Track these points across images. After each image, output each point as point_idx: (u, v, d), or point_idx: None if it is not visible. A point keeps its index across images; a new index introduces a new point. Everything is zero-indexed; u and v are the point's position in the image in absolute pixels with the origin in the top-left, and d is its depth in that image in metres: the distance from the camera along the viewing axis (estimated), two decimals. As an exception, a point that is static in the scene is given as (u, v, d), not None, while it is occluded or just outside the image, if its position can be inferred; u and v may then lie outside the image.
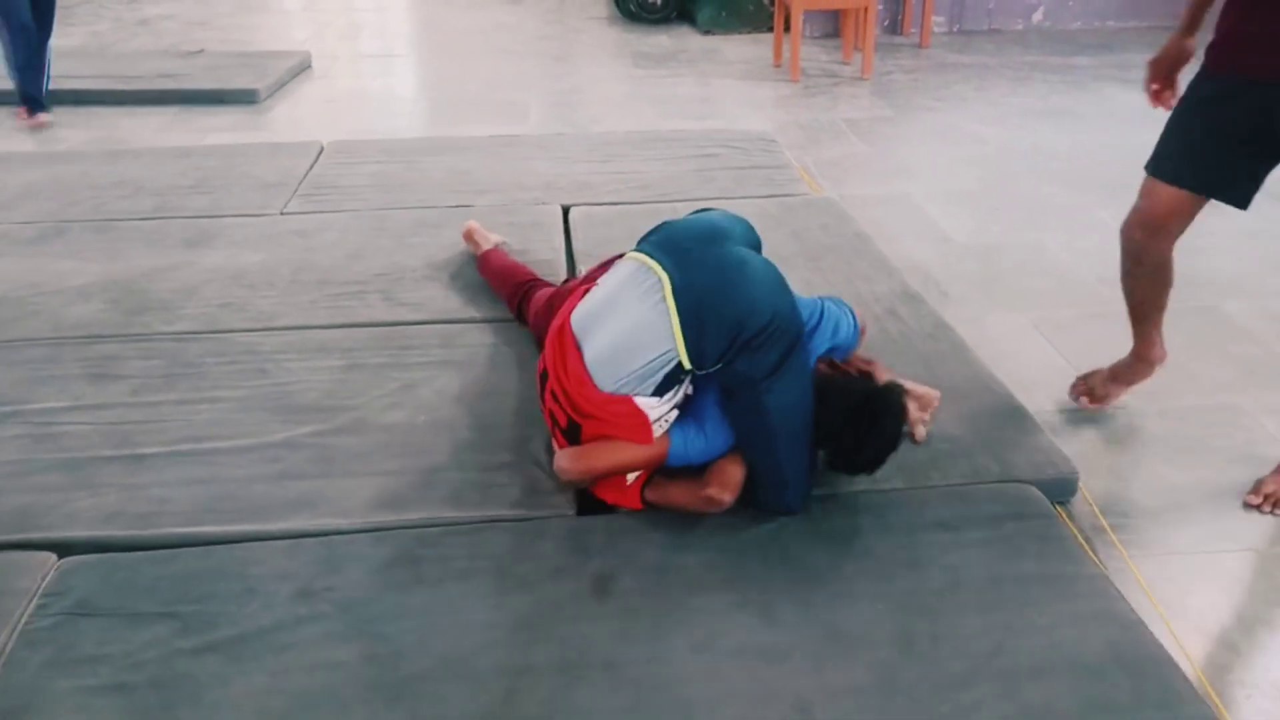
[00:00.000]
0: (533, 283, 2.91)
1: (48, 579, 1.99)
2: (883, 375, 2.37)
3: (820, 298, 2.32)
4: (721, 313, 1.97)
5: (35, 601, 1.93)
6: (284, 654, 1.82)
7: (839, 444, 2.11)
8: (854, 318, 2.33)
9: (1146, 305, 2.64)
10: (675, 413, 2.10)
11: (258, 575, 1.99)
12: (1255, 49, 2.22)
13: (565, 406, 2.12)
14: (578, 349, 2.11)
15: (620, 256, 2.31)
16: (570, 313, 2.18)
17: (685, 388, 2.10)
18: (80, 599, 1.93)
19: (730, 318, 1.97)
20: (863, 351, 2.45)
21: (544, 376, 2.21)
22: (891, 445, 2.11)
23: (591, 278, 2.38)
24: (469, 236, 3.35)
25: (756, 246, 2.25)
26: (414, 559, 2.04)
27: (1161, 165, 2.43)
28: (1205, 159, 2.36)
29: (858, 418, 2.07)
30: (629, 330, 2.03)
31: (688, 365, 2.00)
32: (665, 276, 2.02)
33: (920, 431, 2.39)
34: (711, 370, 2.02)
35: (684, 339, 1.98)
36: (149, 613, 1.90)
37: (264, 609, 1.91)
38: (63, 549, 2.07)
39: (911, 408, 2.34)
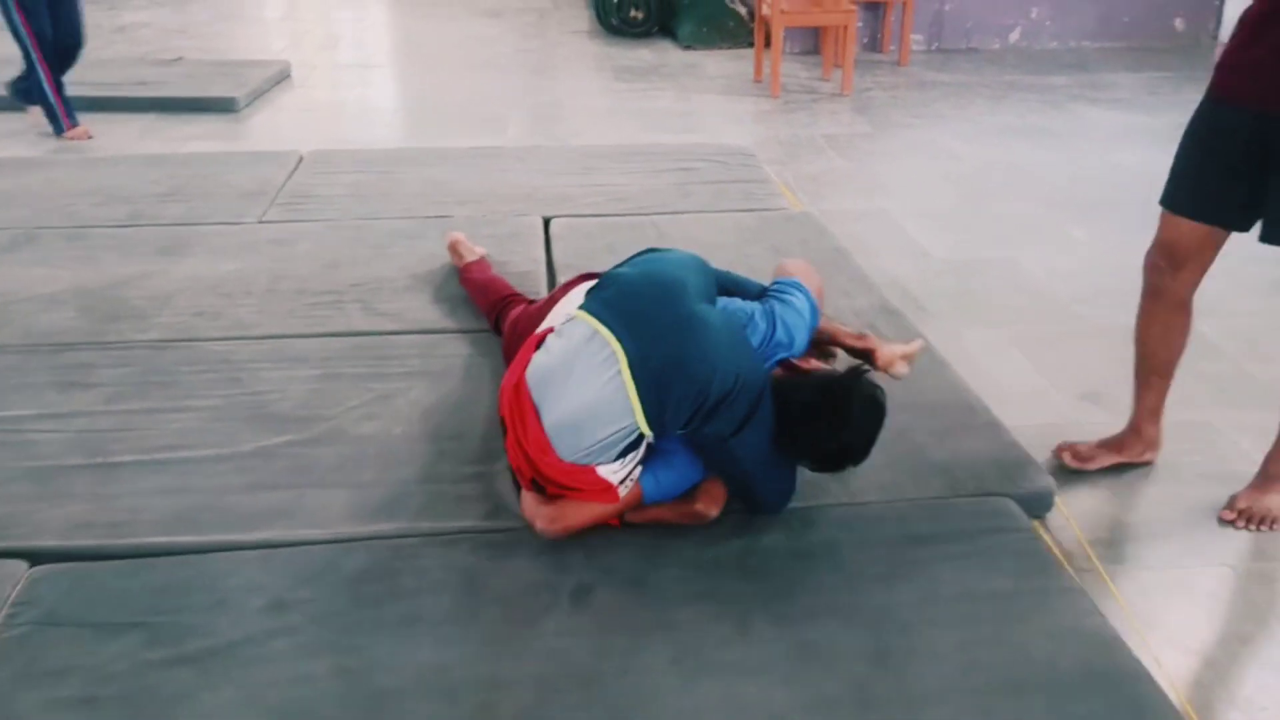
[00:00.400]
0: (511, 298, 2.90)
1: (18, 588, 1.95)
2: (864, 343, 2.41)
3: (769, 296, 2.28)
4: (683, 384, 1.91)
5: (5, 610, 1.90)
6: (256, 667, 1.79)
7: (813, 447, 2.05)
8: (806, 296, 2.28)
9: (1156, 359, 2.55)
10: (640, 467, 2.06)
11: (230, 586, 1.96)
12: (1257, 78, 2.21)
13: (527, 468, 2.06)
14: (535, 413, 2.01)
15: (580, 280, 2.30)
16: (525, 369, 2.08)
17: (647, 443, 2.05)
18: (49, 609, 1.90)
19: (692, 389, 1.91)
20: (845, 325, 2.50)
21: (503, 424, 2.13)
22: (865, 430, 2.02)
23: (553, 298, 2.36)
24: (453, 248, 3.32)
25: (712, 285, 2.19)
26: (388, 571, 2.02)
27: (1172, 198, 2.40)
28: (1211, 189, 2.33)
29: (821, 413, 2.00)
30: (587, 404, 1.96)
31: (649, 436, 1.97)
32: (620, 349, 1.94)
33: (900, 369, 2.36)
34: (676, 434, 2.00)
35: (644, 414, 1.93)
36: (119, 623, 1.87)
37: (236, 621, 1.88)
38: (32, 558, 2.04)
39: (887, 349, 2.37)
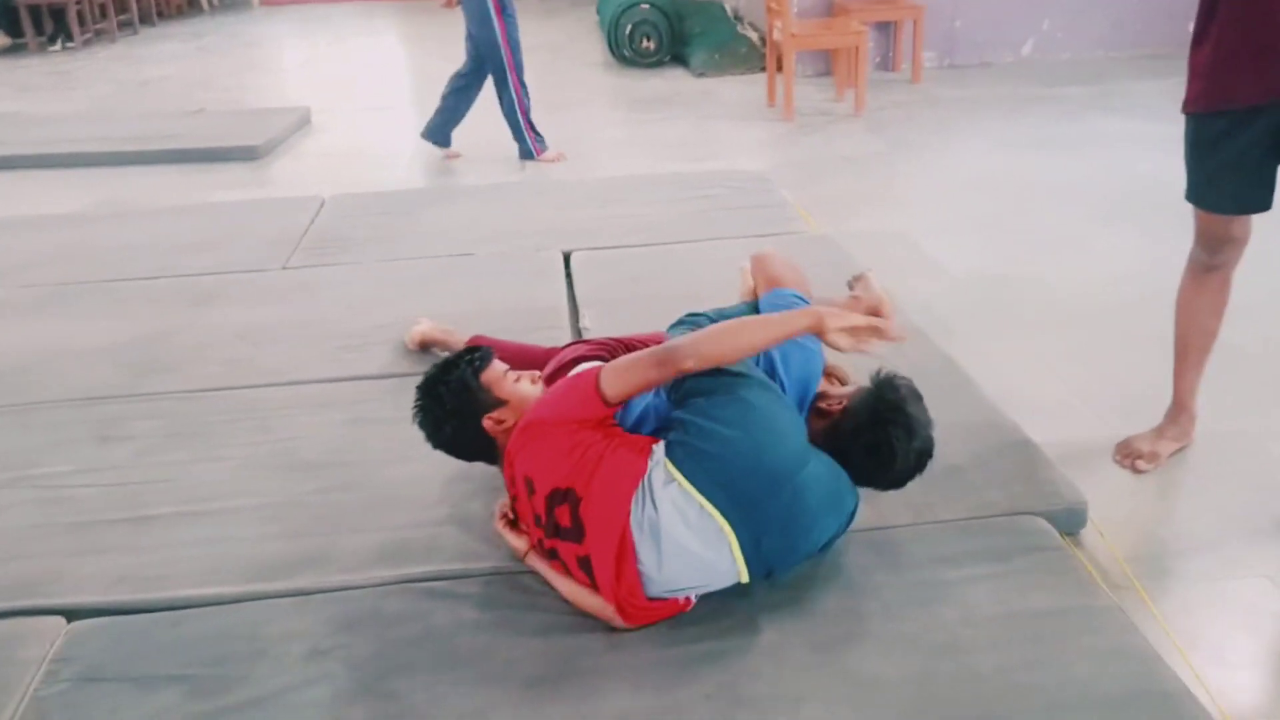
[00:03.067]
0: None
1: (57, 644, 1.98)
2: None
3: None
4: (793, 561, 1.98)
5: (44, 668, 1.92)
6: (296, 715, 1.80)
7: (875, 469, 2.02)
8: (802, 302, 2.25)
9: (1198, 336, 2.60)
10: None
11: (268, 635, 1.98)
12: (1243, 74, 2.23)
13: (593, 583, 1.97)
14: (635, 560, 1.90)
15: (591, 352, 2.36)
16: (628, 518, 1.89)
17: None
18: (90, 664, 1.92)
19: (801, 559, 2.00)
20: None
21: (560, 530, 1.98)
22: (919, 435, 1.98)
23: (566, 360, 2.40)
24: (428, 342, 3.10)
25: (798, 419, 2.07)
26: (423, 613, 2.03)
27: (1193, 194, 2.48)
28: (1230, 186, 2.40)
29: (874, 437, 1.97)
30: (696, 570, 1.91)
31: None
32: (733, 538, 1.88)
33: (894, 333, 2.12)
34: None
35: (749, 576, 1.93)
36: (160, 676, 1.89)
37: (275, 670, 1.90)
38: (71, 614, 2.07)
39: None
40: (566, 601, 2.03)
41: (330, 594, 2.10)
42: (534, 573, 2.11)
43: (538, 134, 5.64)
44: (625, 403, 2.01)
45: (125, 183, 5.51)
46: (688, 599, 1.96)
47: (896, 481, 2.05)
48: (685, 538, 1.87)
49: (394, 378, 2.98)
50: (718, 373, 1.97)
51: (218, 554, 2.24)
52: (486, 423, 2.16)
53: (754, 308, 2.35)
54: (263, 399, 2.90)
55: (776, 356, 2.15)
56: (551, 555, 2.03)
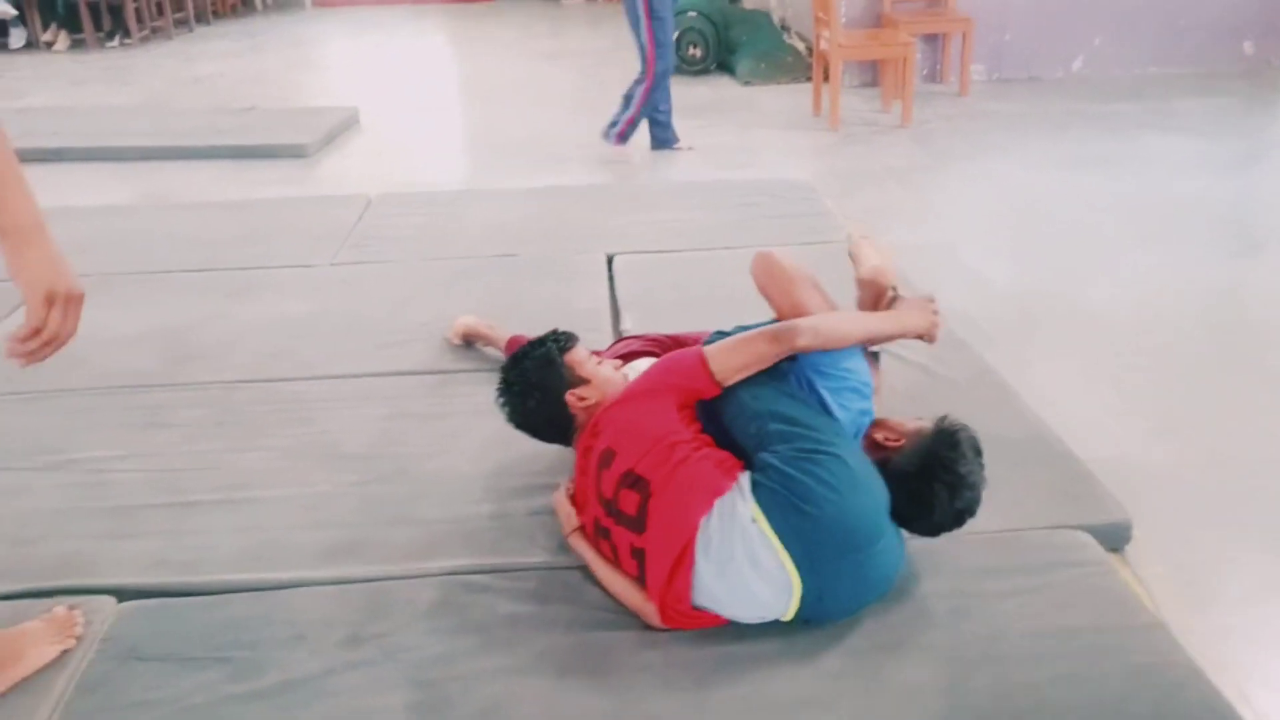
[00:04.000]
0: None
1: (108, 624, 2.01)
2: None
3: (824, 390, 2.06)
4: (839, 616, 1.95)
5: (95, 646, 1.95)
6: (331, 700, 1.82)
7: (912, 515, 1.98)
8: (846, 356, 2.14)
9: None
10: None
11: (306, 621, 2.00)
12: None
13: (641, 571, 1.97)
14: (691, 571, 1.89)
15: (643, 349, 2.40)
16: (695, 531, 1.88)
17: None
18: (135, 644, 1.95)
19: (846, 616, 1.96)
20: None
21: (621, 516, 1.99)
22: (963, 497, 1.94)
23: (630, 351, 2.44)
24: (470, 335, 3.15)
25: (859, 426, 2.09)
26: (460, 605, 2.04)
27: None
28: None
29: (918, 487, 1.94)
30: (747, 604, 1.90)
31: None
32: (798, 591, 1.87)
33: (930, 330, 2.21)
34: None
35: (796, 617, 1.92)
36: (200, 657, 1.92)
37: (312, 655, 1.92)
38: (117, 594, 2.10)
39: (914, 316, 2.20)
40: (603, 589, 2.04)
41: (368, 584, 2.12)
42: (571, 569, 2.12)
43: (630, 131, 5.73)
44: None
45: (175, 177, 5.59)
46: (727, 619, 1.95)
47: (929, 531, 2.03)
48: (751, 577, 1.86)
49: (435, 374, 3.01)
50: (808, 420, 1.96)
51: (259, 541, 2.27)
52: (569, 397, 2.19)
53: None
54: (305, 391, 2.93)
55: (827, 395, 2.05)
56: (604, 535, 2.03)
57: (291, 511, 2.37)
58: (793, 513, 1.85)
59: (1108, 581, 2.06)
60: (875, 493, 1.93)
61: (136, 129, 6.29)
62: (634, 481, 1.95)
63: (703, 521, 1.87)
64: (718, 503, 1.88)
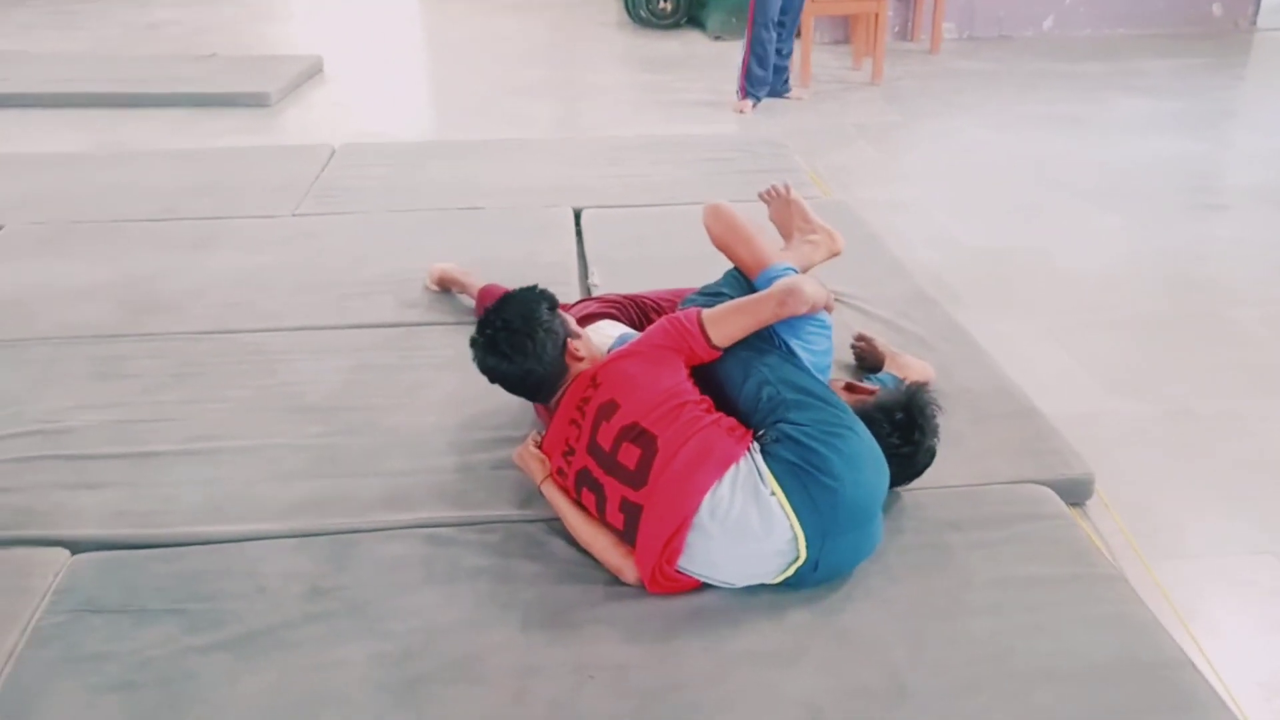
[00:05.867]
0: None
1: (60, 576, 1.98)
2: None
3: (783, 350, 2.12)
4: (818, 583, 1.94)
5: (47, 598, 1.92)
6: (292, 652, 1.80)
7: (907, 461, 2.09)
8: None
9: None
10: None
11: (266, 573, 1.98)
12: None
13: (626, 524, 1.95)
14: (687, 534, 1.87)
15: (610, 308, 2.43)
16: (702, 500, 1.86)
17: None
18: (89, 596, 1.92)
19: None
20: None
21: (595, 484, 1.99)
22: (936, 436, 2.12)
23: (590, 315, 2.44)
24: (446, 281, 3.14)
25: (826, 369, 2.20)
26: (423, 559, 2.02)
27: None
28: None
29: (905, 428, 2.06)
30: (737, 568, 1.90)
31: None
32: (804, 559, 1.87)
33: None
34: None
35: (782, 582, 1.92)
36: (157, 610, 1.89)
37: (272, 607, 1.90)
38: (73, 546, 2.07)
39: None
40: (574, 538, 2.03)
41: (330, 536, 2.09)
42: (536, 521, 2.11)
43: (752, 85, 5.72)
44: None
45: (131, 125, 5.46)
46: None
47: (906, 473, 2.11)
48: (757, 546, 1.86)
49: (400, 327, 2.97)
50: (823, 393, 2.02)
51: (219, 493, 2.24)
52: (572, 344, 2.15)
53: (741, 278, 2.31)
54: (266, 343, 2.88)
55: (792, 340, 2.13)
56: (593, 487, 1.99)
57: (253, 464, 2.34)
58: (814, 485, 1.86)
59: (1069, 534, 2.08)
60: (883, 471, 1.98)
61: (91, 75, 6.14)
62: (638, 435, 1.93)
63: (712, 488, 1.87)
64: (730, 470, 1.89)
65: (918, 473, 2.15)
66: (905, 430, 2.06)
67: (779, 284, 2.11)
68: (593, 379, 2.06)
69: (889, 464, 2.01)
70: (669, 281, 2.80)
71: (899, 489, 2.16)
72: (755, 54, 5.65)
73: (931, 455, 2.13)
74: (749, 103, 5.73)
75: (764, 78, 5.73)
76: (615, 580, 1.95)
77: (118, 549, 2.07)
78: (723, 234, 2.34)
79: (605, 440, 1.97)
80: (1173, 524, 2.35)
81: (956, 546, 2.04)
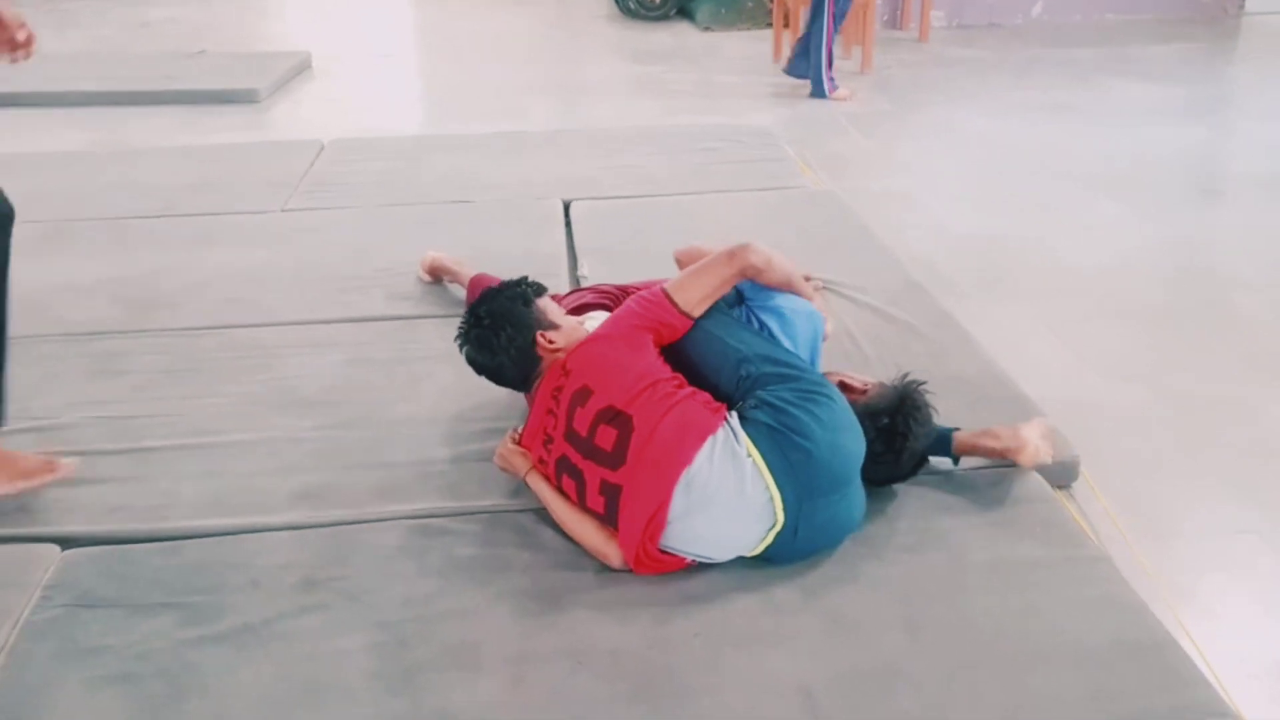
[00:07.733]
0: None
1: (50, 571, 1.99)
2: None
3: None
4: (798, 557, 1.97)
5: (38, 594, 1.93)
6: (289, 643, 1.82)
7: (881, 453, 2.07)
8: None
9: None
10: None
11: (262, 566, 1.99)
12: None
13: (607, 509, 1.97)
14: (669, 510, 1.89)
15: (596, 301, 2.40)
16: (678, 477, 1.89)
17: None
18: (84, 591, 1.93)
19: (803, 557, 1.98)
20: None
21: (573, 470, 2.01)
22: (929, 433, 2.13)
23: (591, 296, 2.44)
24: (438, 270, 3.17)
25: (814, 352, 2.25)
26: (418, 549, 2.04)
27: None
28: None
29: (888, 434, 2.06)
30: (724, 538, 1.93)
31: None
32: (780, 525, 1.90)
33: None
34: None
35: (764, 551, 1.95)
36: (153, 603, 1.90)
37: (269, 599, 1.91)
38: (66, 542, 2.08)
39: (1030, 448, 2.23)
40: (560, 527, 2.05)
41: (326, 528, 2.11)
42: (527, 511, 2.13)
43: (832, 76, 5.74)
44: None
45: (124, 123, 5.47)
46: (694, 560, 1.97)
47: (892, 475, 2.13)
48: (736, 511, 1.89)
49: (394, 320, 2.99)
50: (800, 364, 2.06)
51: (214, 487, 2.25)
52: (540, 338, 2.17)
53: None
54: (262, 338, 2.90)
55: (775, 325, 2.18)
56: (572, 474, 2.01)
57: (249, 458, 2.36)
58: (790, 447, 1.89)
59: (1055, 517, 2.10)
60: (858, 436, 2.01)
61: (86, 74, 6.14)
62: (613, 417, 1.95)
63: (691, 460, 1.89)
64: (708, 441, 1.91)
65: (905, 475, 2.15)
66: (889, 436, 2.06)
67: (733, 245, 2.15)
68: (564, 367, 2.08)
69: (873, 469, 2.04)
70: (658, 272, 2.80)
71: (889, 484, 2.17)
72: (831, 47, 5.70)
73: (919, 461, 2.14)
74: (844, 89, 5.76)
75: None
76: (605, 567, 1.97)
77: (112, 544, 2.08)
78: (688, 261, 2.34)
79: (581, 426, 1.99)
80: (1161, 506, 2.37)
81: (946, 530, 2.06)
